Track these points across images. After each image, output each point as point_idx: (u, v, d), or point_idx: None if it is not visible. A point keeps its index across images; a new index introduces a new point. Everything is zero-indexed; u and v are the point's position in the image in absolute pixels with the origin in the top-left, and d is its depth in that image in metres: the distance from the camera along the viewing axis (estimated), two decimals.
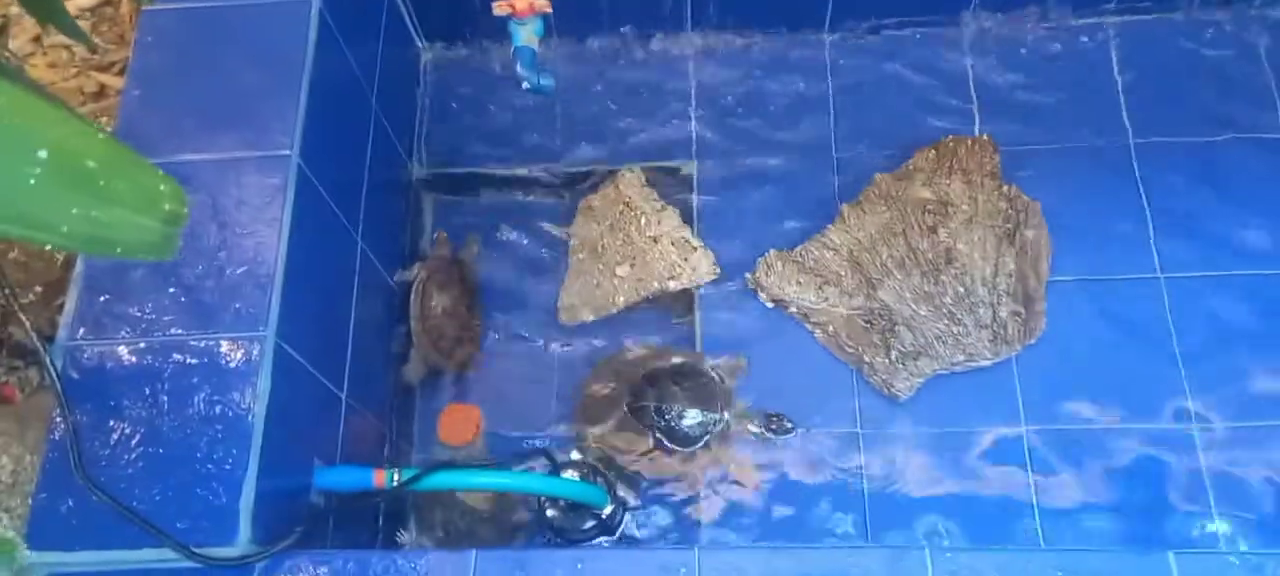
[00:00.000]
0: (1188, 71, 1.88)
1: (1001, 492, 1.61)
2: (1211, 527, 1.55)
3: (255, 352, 1.22)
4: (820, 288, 1.75)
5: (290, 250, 1.30)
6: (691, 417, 1.68)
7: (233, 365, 1.22)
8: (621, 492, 1.65)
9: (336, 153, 1.54)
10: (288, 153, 1.35)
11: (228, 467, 1.17)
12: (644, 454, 1.68)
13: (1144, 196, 1.78)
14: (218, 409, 1.20)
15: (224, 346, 1.23)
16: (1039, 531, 1.57)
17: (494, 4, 1.63)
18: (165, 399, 1.21)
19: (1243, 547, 1.51)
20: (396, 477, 1.36)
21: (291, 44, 1.43)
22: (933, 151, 1.83)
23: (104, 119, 1.76)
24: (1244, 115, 1.83)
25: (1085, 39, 1.93)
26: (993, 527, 1.58)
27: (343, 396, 1.49)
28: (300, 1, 1.46)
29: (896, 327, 1.70)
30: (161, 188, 0.85)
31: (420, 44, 2.04)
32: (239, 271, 1.27)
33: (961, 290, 1.70)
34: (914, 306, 1.71)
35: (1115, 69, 1.89)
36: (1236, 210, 1.76)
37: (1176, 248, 1.74)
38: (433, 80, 2.03)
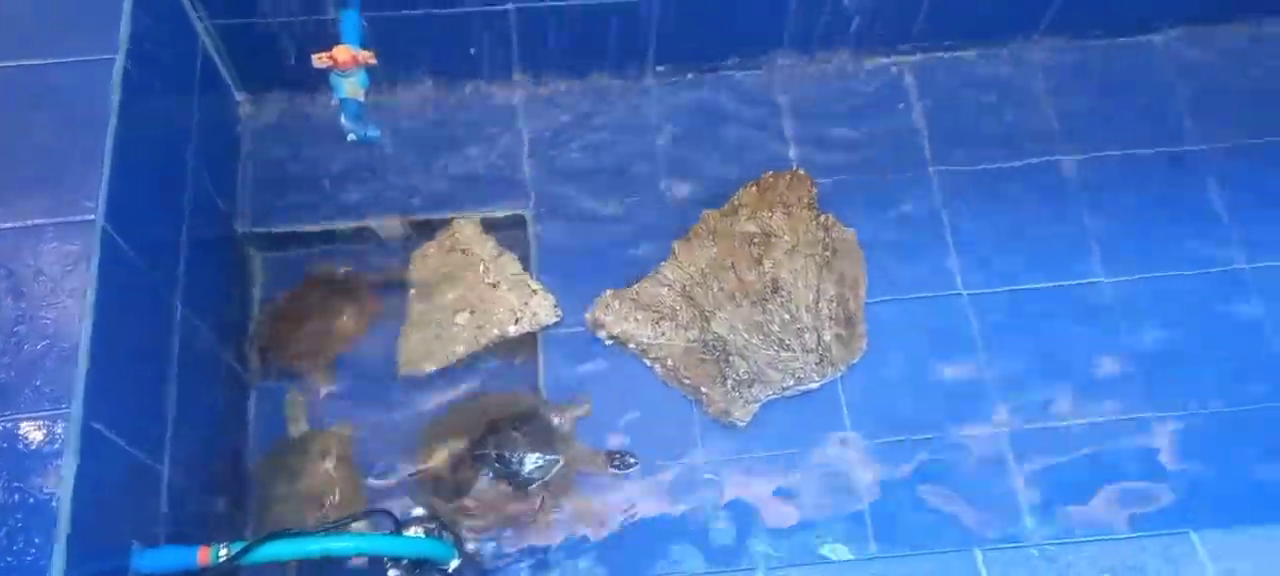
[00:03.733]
0: (977, 104, 2.05)
1: (835, 505, 1.70)
2: (1021, 522, 1.69)
3: (59, 432, 1.15)
4: (657, 323, 1.79)
5: (97, 321, 1.23)
6: (532, 461, 1.68)
7: (33, 447, 1.14)
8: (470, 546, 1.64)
9: (149, 214, 1.47)
10: (92, 217, 1.28)
11: (30, 558, 1.08)
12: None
13: (945, 220, 1.93)
14: (17, 496, 1.11)
15: (23, 428, 1.15)
16: (871, 538, 1.67)
17: (314, 57, 1.60)
18: None
19: (1046, 540, 1.64)
20: (223, 552, 1.30)
21: (95, 102, 1.36)
22: (755, 187, 1.92)
23: None
24: (1027, 143, 2.01)
25: (886, 76, 2.07)
26: (831, 537, 1.67)
27: (164, 471, 1.41)
28: (102, 59, 1.39)
29: (731, 357, 1.76)
30: None
31: (240, 96, 1.97)
32: (40, 346, 1.19)
33: (788, 317, 1.79)
34: (746, 336, 1.78)
35: (914, 103, 2.05)
36: (1025, 230, 1.93)
37: (975, 266, 1.89)
38: (255, 133, 1.97)
